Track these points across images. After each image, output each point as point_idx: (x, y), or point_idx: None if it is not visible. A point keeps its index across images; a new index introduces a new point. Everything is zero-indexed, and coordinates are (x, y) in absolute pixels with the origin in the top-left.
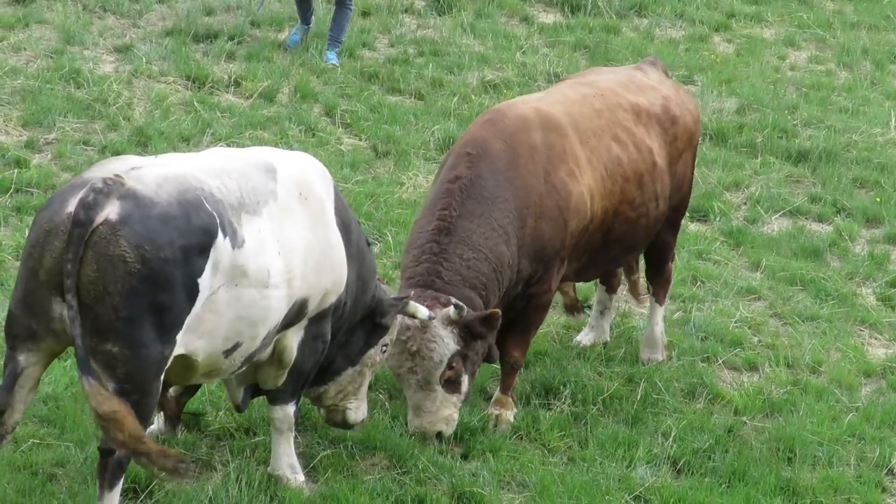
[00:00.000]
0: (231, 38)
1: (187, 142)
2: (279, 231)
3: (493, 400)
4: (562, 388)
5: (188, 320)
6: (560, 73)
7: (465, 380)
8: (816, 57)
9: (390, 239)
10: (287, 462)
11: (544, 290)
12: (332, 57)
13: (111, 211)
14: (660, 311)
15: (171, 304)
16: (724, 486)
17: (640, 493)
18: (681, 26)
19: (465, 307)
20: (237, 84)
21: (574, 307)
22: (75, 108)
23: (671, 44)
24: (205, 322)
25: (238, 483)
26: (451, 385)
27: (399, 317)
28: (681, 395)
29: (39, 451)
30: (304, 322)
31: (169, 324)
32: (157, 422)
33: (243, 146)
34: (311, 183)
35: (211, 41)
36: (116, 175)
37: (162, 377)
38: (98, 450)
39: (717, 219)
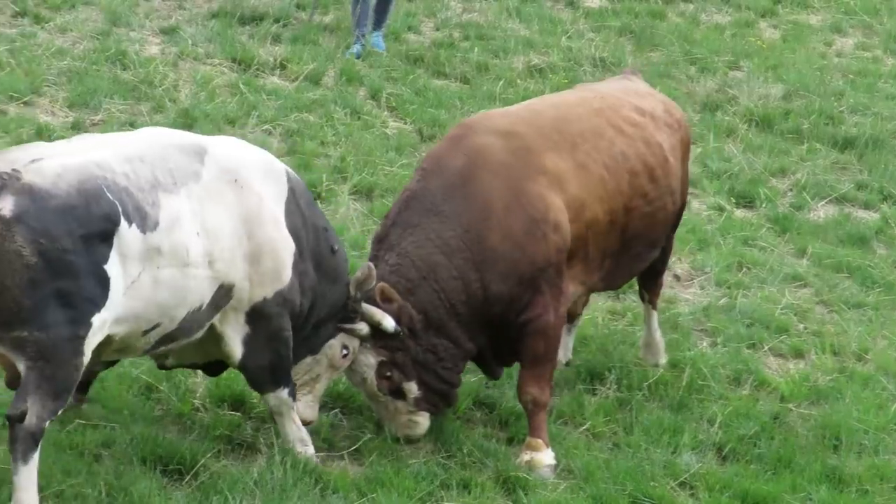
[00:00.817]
0: (277, 21)
1: (233, 124)
2: (200, 212)
3: (524, 444)
4: (607, 373)
5: (111, 307)
6: (605, 58)
7: (409, 386)
8: (863, 43)
9: None
10: (296, 437)
11: (538, 313)
12: (378, 42)
13: (5, 207)
14: (656, 316)
15: (77, 290)
16: (769, 473)
17: (686, 479)
18: (727, 12)
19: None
20: (283, 67)
21: (572, 317)
22: (121, 89)
23: (717, 29)
24: (131, 308)
25: (283, 465)
26: (396, 394)
27: (366, 330)
28: (726, 381)
29: (85, 431)
30: (242, 317)
31: (80, 307)
32: None
33: (289, 129)
34: (251, 177)
35: (257, 23)
36: (14, 169)
37: (84, 355)
38: (6, 418)
39: (763, 205)
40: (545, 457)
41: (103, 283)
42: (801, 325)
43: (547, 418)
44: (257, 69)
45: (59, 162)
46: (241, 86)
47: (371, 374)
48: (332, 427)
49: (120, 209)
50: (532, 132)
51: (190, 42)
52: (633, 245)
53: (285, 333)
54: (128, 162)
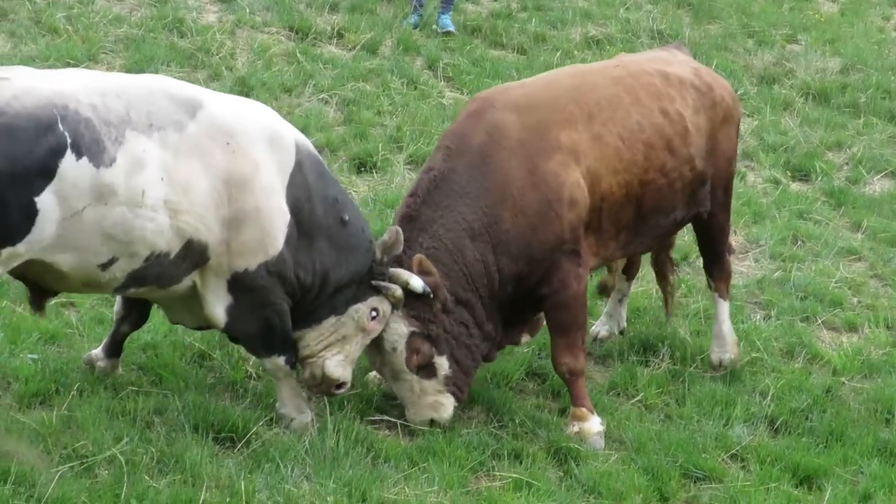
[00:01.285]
0: None
1: (289, 93)
2: (172, 161)
3: (569, 416)
4: (660, 345)
5: (34, 240)
6: (663, 30)
7: (441, 361)
8: None
9: None
10: (292, 403)
11: (555, 288)
12: (447, 23)
13: None
14: (725, 307)
15: None
16: (821, 446)
17: (737, 451)
18: None
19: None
20: (340, 35)
21: (606, 288)
22: (178, 57)
23: (775, 2)
24: (69, 239)
25: (336, 435)
26: (426, 371)
27: (400, 292)
28: (779, 354)
29: (137, 398)
30: (223, 284)
31: None
32: (98, 352)
33: (345, 98)
34: (248, 143)
35: None
36: None
37: None
38: None
39: (819, 178)
40: (593, 425)
41: (29, 215)
42: (855, 299)
43: (586, 384)
44: (314, 38)
45: (23, 85)
46: (298, 54)
47: (402, 345)
48: (384, 396)
49: (69, 141)
50: (547, 106)
51: (247, 10)
52: (650, 217)
53: (277, 305)
54: (100, 94)
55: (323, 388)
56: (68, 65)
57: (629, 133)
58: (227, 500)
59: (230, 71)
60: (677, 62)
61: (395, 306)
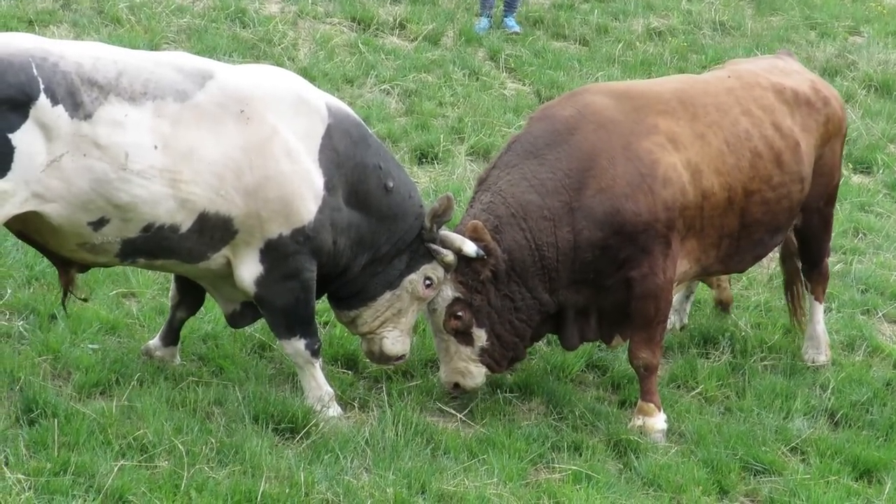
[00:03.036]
0: None
1: (351, 83)
2: (170, 130)
3: (636, 408)
4: (720, 337)
5: (18, 177)
6: (725, 21)
7: (479, 333)
8: None
9: None
10: (315, 395)
11: (644, 273)
12: (511, 24)
13: None
14: (820, 309)
15: None
16: (881, 439)
17: (797, 444)
18: None
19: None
20: (402, 26)
21: (727, 304)
22: (241, 47)
23: None
24: (52, 188)
25: (395, 426)
26: (462, 337)
27: (451, 257)
28: (840, 347)
29: (198, 389)
30: (256, 254)
31: None
32: (156, 341)
33: (407, 89)
34: (265, 109)
35: None
36: None
37: None
38: None
39: (881, 171)
40: (657, 421)
41: (5, 150)
42: None
43: (658, 381)
44: (377, 29)
45: (7, 40)
46: (360, 45)
47: (442, 307)
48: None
49: (42, 86)
50: (647, 97)
51: (310, 1)
52: (754, 230)
53: (305, 276)
54: (94, 59)
55: (382, 362)
56: None
57: (735, 139)
58: (287, 491)
59: (292, 62)
60: (794, 73)
61: (446, 270)
